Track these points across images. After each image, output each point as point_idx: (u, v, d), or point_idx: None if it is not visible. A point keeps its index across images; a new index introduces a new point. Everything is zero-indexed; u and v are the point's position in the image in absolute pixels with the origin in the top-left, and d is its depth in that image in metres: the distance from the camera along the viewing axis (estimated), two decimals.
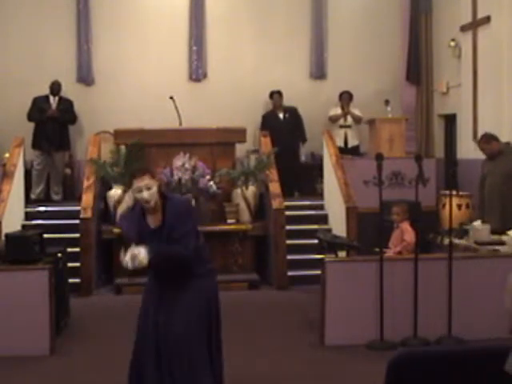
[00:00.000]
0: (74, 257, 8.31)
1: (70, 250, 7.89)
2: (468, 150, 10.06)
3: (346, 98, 11.25)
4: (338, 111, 11.23)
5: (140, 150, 9.09)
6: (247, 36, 11.73)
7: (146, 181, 4.25)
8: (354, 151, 11.14)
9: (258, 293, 8.84)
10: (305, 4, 11.84)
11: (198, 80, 11.72)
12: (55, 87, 10.72)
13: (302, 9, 11.82)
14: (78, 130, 11.31)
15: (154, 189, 4.27)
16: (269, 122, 11.16)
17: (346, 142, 11.14)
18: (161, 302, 4.39)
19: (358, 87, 11.37)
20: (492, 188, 7.88)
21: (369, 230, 8.07)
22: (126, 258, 4.17)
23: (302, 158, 11.56)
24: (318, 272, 6.67)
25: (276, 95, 11.30)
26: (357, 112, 11.16)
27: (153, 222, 4.36)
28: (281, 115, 11.28)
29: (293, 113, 11.31)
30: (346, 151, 10.90)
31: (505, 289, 2.10)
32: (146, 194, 4.24)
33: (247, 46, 11.73)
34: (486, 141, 8.02)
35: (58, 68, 11.24)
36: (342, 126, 11.18)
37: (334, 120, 11.21)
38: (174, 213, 4.31)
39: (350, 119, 11.19)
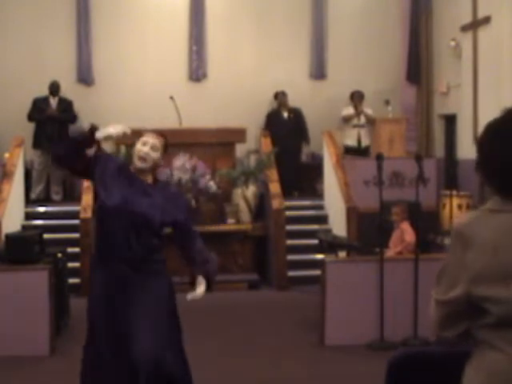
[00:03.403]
0: (73, 257, 8.31)
1: (70, 249, 7.89)
2: (468, 150, 10.05)
3: (357, 97, 11.16)
4: (351, 111, 11.16)
5: None
6: (247, 36, 11.73)
7: (157, 141, 3.81)
8: (367, 151, 11.11)
9: (257, 293, 8.84)
10: (305, 4, 11.84)
11: (197, 80, 11.72)
12: (54, 88, 10.72)
13: (301, 9, 11.81)
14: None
15: (157, 155, 3.79)
16: (273, 121, 11.16)
17: (359, 142, 11.10)
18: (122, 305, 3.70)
19: (357, 87, 11.35)
20: None
21: (369, 230, 8.07)
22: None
23: (303, 159, 11.55)
24: (318, 272, 6.67)
25: (281, 95, 11.29)
26: (369, 111, 11.11)
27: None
28: (285, 115, 11.27)
29: (297, 114, 11.30)
30: (359, 151, 10.87)
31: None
32: (146, 149, 3.76)
33: (247, 46, 11.73)
34: None
35: (58, 68, 11.23)
36: (355, 126, 11.12)
37: (347, 120, 11.11)
38: (167, 189, 3.95)
39: (362, 119, 11.14)
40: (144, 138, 3.77)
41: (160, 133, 3.91)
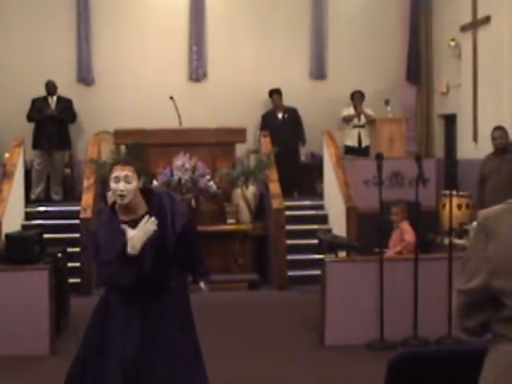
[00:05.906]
0: (73, 257, 8.31)
1: (69, 250, 7.89)
2: (468, 150, 10.06)
3: (358, 97, 11.15)
4: (351, 111, 11.15)
5: (140, 150, 9.09)
6: (247, 36, 11.73)
7: (126, 171, 3.76)
8: (367, 151, 11.11)
9: (257, 293, 8.84)
10: (305, 4, 11.84)
11: (197, 80, 11.72)
12: (50, 87, 10.71)
13: (302, 8, 11.82)
14: (78, 129, 11.31)
15: (134, 185, 3.77)
16: (268, 122, 11.15)
17: (359, 142, 11.09)
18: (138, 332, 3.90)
19: (357, 87, 11.35)
20: (497, 185, 7.84)
21: (369, 230, 8.07)
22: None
23: (302, 158, 11.55)
24: (318, 272, 6.67)
25: (275, 94, 11.27)
26: (369, 111, 11.10)
27: (130, 216, 3.85)
28: (280, 115, 11.25)
29: (292, 113, 11.28)
30: (359, 151, 10.87)
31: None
32: (122, 186, 3.74)
33: (247, 46, 11.73)
34: (503, 130, 7.99)
35: (58, 68, 11.24)
36: (355, 126, 11.10)
37: (347, 120, 11.10)
38: (163, 204, 3.90)
39: (363, 119, 11.12)
40: (114, 174, 3.77)
41: (126, 160, 3.98)
